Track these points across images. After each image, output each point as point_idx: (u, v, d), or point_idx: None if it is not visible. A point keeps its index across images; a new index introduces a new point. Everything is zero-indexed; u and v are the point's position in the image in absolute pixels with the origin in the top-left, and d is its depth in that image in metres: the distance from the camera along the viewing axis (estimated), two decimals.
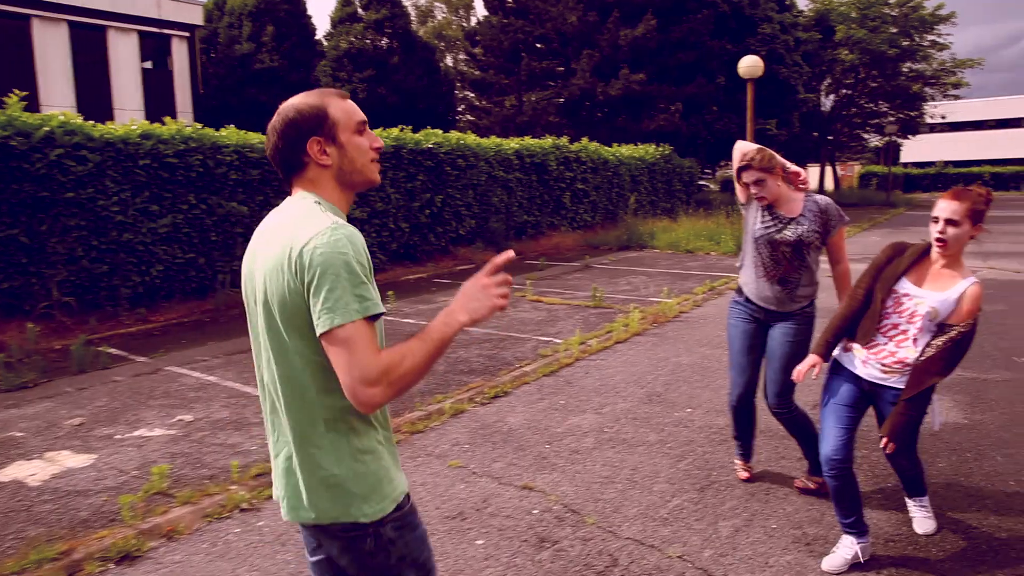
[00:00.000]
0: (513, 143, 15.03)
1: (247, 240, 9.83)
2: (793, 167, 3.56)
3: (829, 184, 39.15)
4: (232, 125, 9.96)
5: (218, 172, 9.25)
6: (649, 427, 4.84)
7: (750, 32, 22.29)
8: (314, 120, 1.60)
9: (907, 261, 2.98)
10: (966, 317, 2.83)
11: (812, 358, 3.09)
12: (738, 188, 3.64)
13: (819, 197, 3.56)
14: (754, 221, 3.61)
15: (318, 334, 1.46)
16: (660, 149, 20.31)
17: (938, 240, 2.86)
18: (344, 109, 1.63)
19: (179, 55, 22.17)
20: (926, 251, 2.96)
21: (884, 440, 2.95)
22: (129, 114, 19.45)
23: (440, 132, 13.08)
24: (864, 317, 3.05)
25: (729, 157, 32.63)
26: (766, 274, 3.57)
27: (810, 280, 3.59)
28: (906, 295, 2.94)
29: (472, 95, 28.78)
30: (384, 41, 27.22)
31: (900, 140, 38.36)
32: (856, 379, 3.09)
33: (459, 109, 31.09)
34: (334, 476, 1.56)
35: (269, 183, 9.88)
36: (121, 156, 8.28)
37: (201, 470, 4.17)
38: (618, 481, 3.99)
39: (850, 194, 37.33)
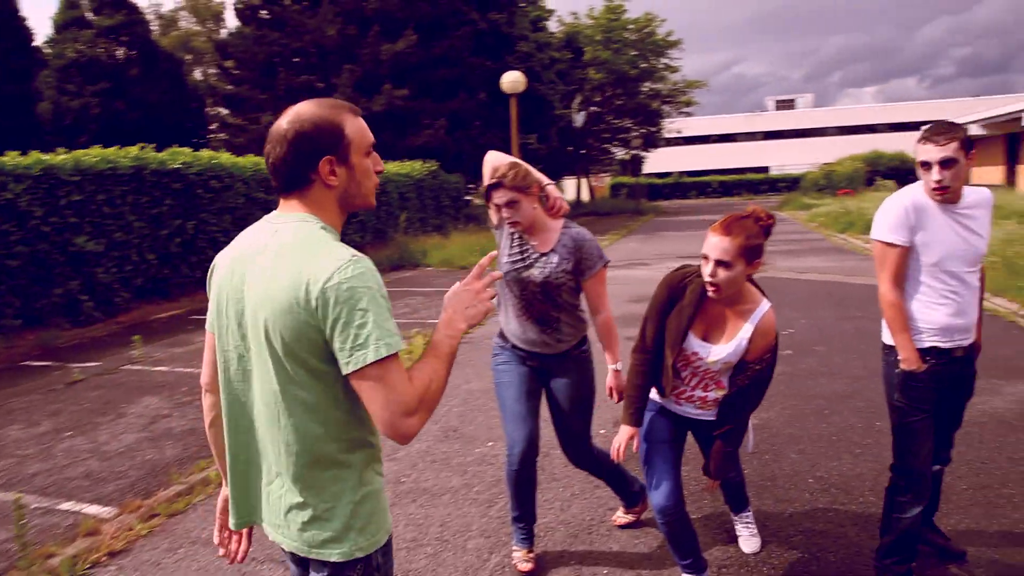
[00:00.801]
0: None
1: None
2: (552, 189, 2.98)
3: (585, 195, 41.68)
4: None
5: None
6: (451, 469, 4.38)
7: (508, 50, 22.88)
8: (330, 138, 1.51)
9: (689, 309, 2.60)
10: (762, 353, 2.59)
11: (627, 431, 2.72)
12: (490, 208, 2.96)
13: (578, 231, 2.97)
14: (502, 251, 3.02)
15: (347, 372, 1.42)
16: (427, 165, 20.11)
17: (711, 285, 2.50)
18: (358, 128, 1.56)
19: None
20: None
21: (710, 483, 2.79)
22: None
23: (189, 151, 11.62)
24: (661, 374, 2.74)
25: None
26: (521, 314, 3.01)
27: (574, 319, 3.03)
28: (695, 353, 2.64)
29: (225, 111, 26.69)
30: (121, 50, 24.41)
31: (643, 153, 41.83)
32: (672, 413, 2.85)
33: (211, 127, 28.75)
34: (335, 510, 1.54)
35: None
36: None
37: None
38: (427, 543, 3.47)
39: (604, 203, 40.02)
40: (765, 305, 2.58)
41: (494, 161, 2.94)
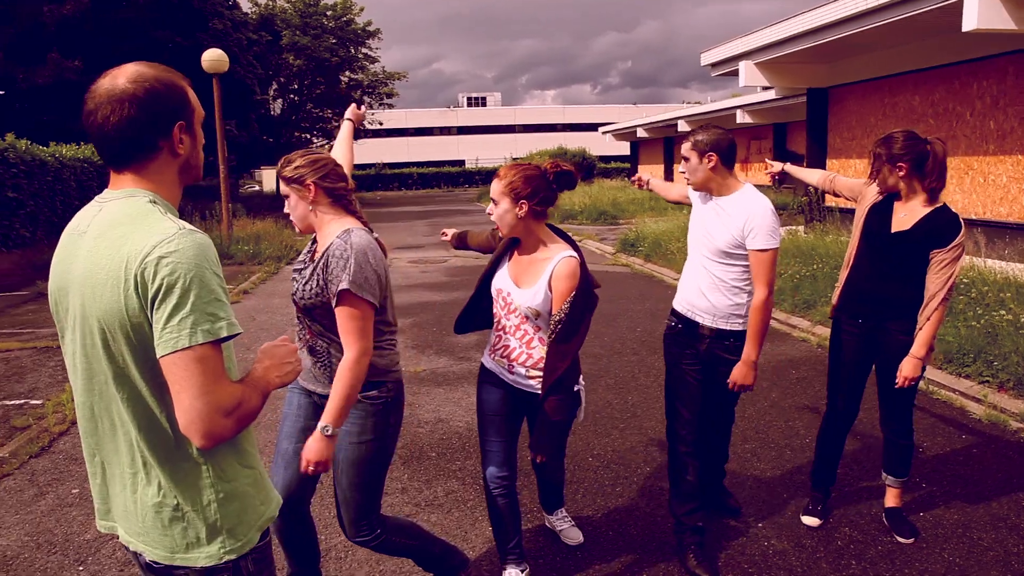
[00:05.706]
0: None
1: None
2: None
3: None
4: None
5: None
6: None
7: (201, 27, 20.95)
8: (180, 101, 1.43)
9: (499, 250, 2.82)
10: (564, 297, 2.62)
11: None
12: None
13: (341, 241, 2.28)
14: None
15: (159, 355, 1.31)
16: None
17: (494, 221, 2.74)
18: (194, 97, 1.48)
19: None
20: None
21: (539, 457, 2.66)
22: None
23: None
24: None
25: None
26: (299, 336, 2.51)
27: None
28: (509, 293, 2.73)
29: None
30: None
31: None
32: (507, 385, 2.81)
33: None
34: (197, 510, 1.43)
35: None
36: None
37: None
38: None
39: None
40: (564, 254, 2.65)
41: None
